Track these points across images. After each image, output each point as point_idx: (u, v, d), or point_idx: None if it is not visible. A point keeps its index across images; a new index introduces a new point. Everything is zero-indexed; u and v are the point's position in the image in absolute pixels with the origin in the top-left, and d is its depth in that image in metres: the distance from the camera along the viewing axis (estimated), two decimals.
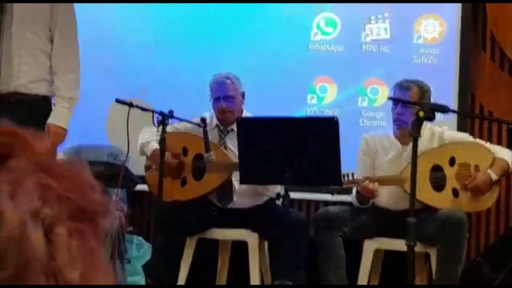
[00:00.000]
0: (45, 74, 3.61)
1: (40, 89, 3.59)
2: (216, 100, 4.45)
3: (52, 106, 3.64)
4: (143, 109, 3.85)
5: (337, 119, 3.83)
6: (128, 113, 3.68)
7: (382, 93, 5.25)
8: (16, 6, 3.51)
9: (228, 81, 4.43)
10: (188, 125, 4.37)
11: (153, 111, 3.85)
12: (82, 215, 0.41)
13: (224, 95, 4.41)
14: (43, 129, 3.50)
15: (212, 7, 5.40)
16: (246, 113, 4.53)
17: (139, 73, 5.40)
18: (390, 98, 4.27)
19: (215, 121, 4.52)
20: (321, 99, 5.33)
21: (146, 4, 5.44)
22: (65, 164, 0.44)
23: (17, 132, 0.46)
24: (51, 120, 3.58)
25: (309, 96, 5.34)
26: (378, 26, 5.33)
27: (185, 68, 5.39)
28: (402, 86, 4.31)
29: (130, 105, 3.74)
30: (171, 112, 3.98)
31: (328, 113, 5.22)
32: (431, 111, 3.24)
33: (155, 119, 3.88)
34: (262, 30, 5.39)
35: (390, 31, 5.31)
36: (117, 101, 3.79)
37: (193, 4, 5.40)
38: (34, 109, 3.55)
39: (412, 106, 4.01)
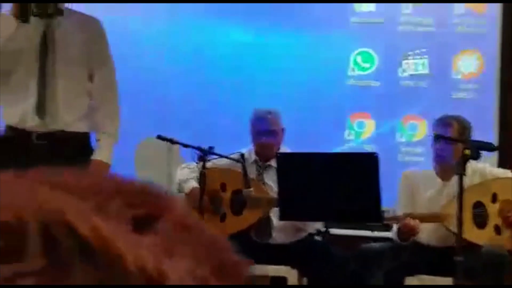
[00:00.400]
0: (87, 112, 3.66)
1: (82, 127, 3.63)
2: (257, 134, 4.46)
3: (94, 142, 3.69)
4: (184, 145, 3.87)
5: (377, 155, 3.81)
6: (169, 149, 3.71)
7: (421, 129, 5.24)
8: (59, 45, 3.56)
9: (270, 116, 4.45)
10: (226, 161, 4.38)
11: (192, 147, 3.87)
12: (223, 274, 0.41)
13: (265, 129, 4.41)
14: (86, 165, 3.51)
15: (251, 42, 5.43)
16: (285, 149, 4.53)
17: (174, 107, 5.43)
18: (435, 136, 4.24)
19: (253, 156, 4.53)
20: (359, 134, 5.32)
21: (185, 37, 5.48)
22: (202, 225, 0.45)
23: (159, 193, 0.46)
24: (95, 157, 3.61)
25: (346, 132, 5.33)
26: (415, 62, 5.32)
27: (223, 103, 5.40)
28: (443, 122, 4.29)
29: (171, 141, 3.76)
30: (211, 148, 4.00)
31: (366, 148, 5.21)
32: (476, 149, 3.21)
33: (195, 155, 3.90)
34: (299, 65, 5.40)
35: (428, 66, 5.30)
36: (159, 137, 3.82)
37: (233, 39, 5.44)
38: (78, 146, 3.59)
39: (454, 143, 3.99)
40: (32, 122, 3.51)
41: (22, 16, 3.40)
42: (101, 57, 3.67)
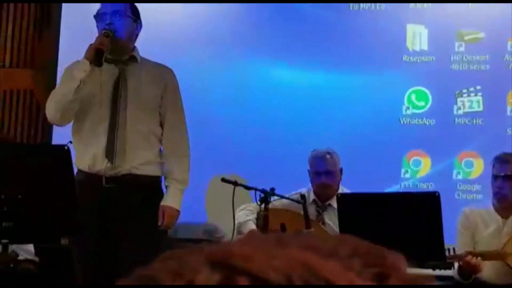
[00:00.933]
0: (157, 157, 3.71)
1: (151, 171, 3.67)
2: (316, 175, 4.50)
3: (164, 187, 3.74)
4: (247, 188, 3.93)
5: (438, 194, 3.83)
6: (234, 192, 3.76)
7: (477, 166, 5.24)
8: (131, 91, 3.65)
9: (328, 156, 4.50)
10: (285, 201, 4.42)
11: (255, 189, 3.93)
12: None
13: (325, 170, 4.46)
14: (155, 209, 3.59)
15: (306, 83, 5.51)
16: (343, 189, 4.56)
17: (233, 148, 5.50)
18: (496, 176, 4.26)
19: (312, 196, 4.57)
20: (415, 172, 5.34)
21: (242, 78, 5.57)
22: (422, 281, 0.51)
23: (387, 253, 0.52)
24: (165, 202, 3.65)
25: (402, 170, 5.35)
26: (470, 99, 5.35)
27: (279, 142, 5.47)
28: (501, 159, 4.30)
29: (235, 183, 3.82)
30: (272, 189, 4.05)
31: (423, 187, 5.23)
32: None
33: (257, 197, 3.96)
34: (354, 105, 5.46)
35: (482, 103, 5.32)
36: (223, 180, 3.89)
37: (289, 80, 5.52)
38: (147, 190, 3.64)
39: None
40: (101, 166, 3.58)
41: (96, 61, 3.50)
42: (172, 105, 3.74)
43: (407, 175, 5.36)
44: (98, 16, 3.73)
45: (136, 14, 3.78)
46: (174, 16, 5.63)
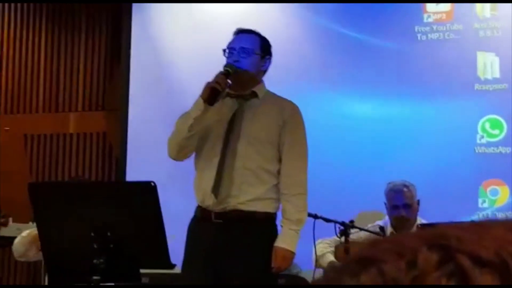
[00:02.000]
0: (267, 193, 3.57)
1: (260, 207, 3.55)
2: (394, 208, 4.47)
3: (277, 224, 3.59)
4: (327, 220, 3.92)
5: None
6: (314, 224, 3.75)
7: None
8: (245, 126, 3.59)
9: (406, 189, 4.46)
10: (364, 233, 4.39)
11: (335, 222, 3.92)
12: None
13: (402, 203, 4.43)
14: (268, 246, 3.47)
15: (379, 114, 5.51)
16: (421, 220, 4.52)
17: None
18: None
19: (389, 229, 4.53)
20: (493, 202, 5.26)
21: (315, 113, 5.59)
22: None
23: None
24: (278, 243, 3.49)
25: (480, 200, 5.28)
26: None
27: (355, 174, 5.46)
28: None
29: (315, 216, 3.81)
30: (351, 222, 4.03)
31: (502, 216, 5.13)
32: None
33: (337, 230, 3.95)
34: (427, 136, 5.43)
35: None
36: None
37: (359, 112, 5.53)
38: (256, 226, 3.53)
39: None
40: (209, 201, 3.53)
41: (210, 100, 3.47)
42: (291, 141, 3.60)
43: (485, 205, 5.28)
44: (226, 50, 3.65)
45: (265, 50, 3.69)
46: None
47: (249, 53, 3.61)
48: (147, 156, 5.95)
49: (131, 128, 6.17)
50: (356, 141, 5.54)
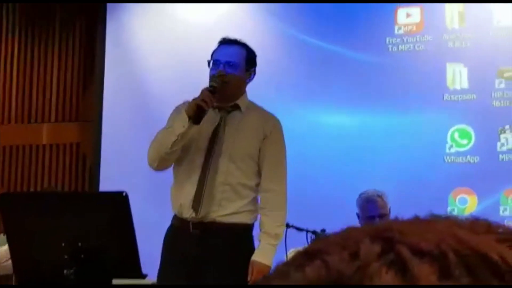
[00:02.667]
0: (247, 206, 3.58)
1: (239, 219, 3.56)
2: (369, 218, 4.49)
3: (255, 238, 3.60)
4: (299, 229, 3.95)
5: None
6: (286, 233, 3.77)
7: None
8: (227, 141, 3.59)
9: (379, 199, 4.50)
10: None
11: (307, 231, 3.95)
12: None
13: (378, 213, 4.46)
14: (244, 257, 3.49)
15: (348, 124, 5.57)
16: None
17: None
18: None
19: None
20: (462, 210, 5.33)
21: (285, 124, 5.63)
22: None
23: None
24: (255, 257, 3.50)
25: (449, 209, 5.35)
26: None
27: (325, 185, 5.51)
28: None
29: (287, 225, 3.83)
30: (323, 231, 4.07)
31: None
32: None
33: (308, 239, 3.98)
34: (397, 146, 5.49)
35: None
36: None
37: (330, 122, 5.59)
38: (234, 236, 3.54)
39: None
40: (187, 214, 3.53)
41: (195, 118, 3.44)
42: (271, 156, 3.62)
43: (454, 213, 5.34)
44: (211, 62, 3.63)
45: (250, 63, 3.70)
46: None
47: (235, 67, 3.60)
48: (120, 167, 5.97)
49: (104, 139, 6.18)
50: (327, 152, 5.60)
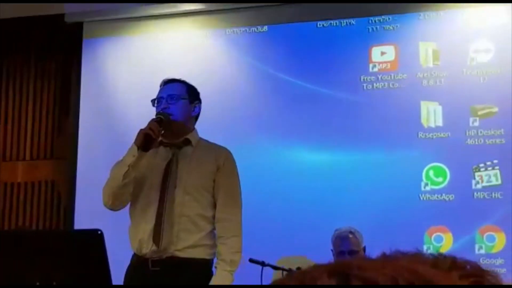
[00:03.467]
0: (205, 240, 3.63)
1: (198, 254, 3.59)
2: (339, 254, 4.52)
3: (214, 269, 3.62)
4: (275, 268, 3.95)
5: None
6: (261, 272, 3.77)
7: (499, 240, 5.24)
8: (180, 174, 3.64)
9: (351, 235, 4.53)
10: None
11: (282, 269, 3.94)
12: None
13: (348, 249, 4.49)
14: None
15: (322, 162, 5.59)
16: None
17: (257, 229, 5.52)
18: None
19: None
20: (437, 248, 5.34)
21: (257, 162, 5.64)
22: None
23: (475, 265, 0.61)
24: (211, 283, 3.54)
25: (425, 247, 5.36)
26: (488, 173, 5.39)
27: (301, 224, 5.51)
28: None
29: (263, 264, 3.84)
30: (298, 268, 4.06)
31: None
32: None
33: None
34: (372, 184, 5.51)
35: (500, 177, 5.36)
36: (251, 260, 3.90)
37: (303, 160, 5.60)
38: (193, 272, 3.55)
39: None
40: (147, 249, 3.56)
41: (144, 146, 3.53)
42: (225, 186, 3.67)
43: (429, 251, 5.34)
44: (155, 101, 3.73)
45: (192, 95, 3.78)
46: None
47: (176, 98, 3.69)
48: (96, 205, 5.91)
49: (79, 176, 6.15)
50: (303, 189, 5.59)
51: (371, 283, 0.53)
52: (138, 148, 3.55)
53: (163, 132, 3.64)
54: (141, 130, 3.57)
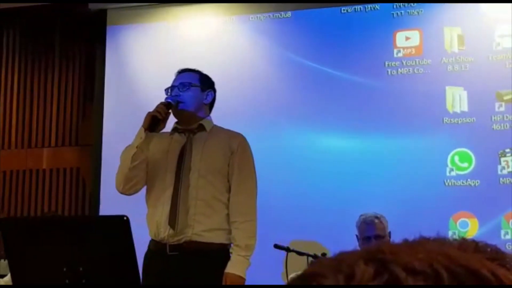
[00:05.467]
0: (221, 224, 3.63)
1: (215, 238, 3.61)
2: (365, 239, 4.52)
3: (230, 254, 3.61)
4: (300, 253, 3.95)
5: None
6: (286, 257, 3.78)
7: None
8: (194, 158, 3.67)
9: (377, 220, 4.52)
10: None
11: (308, 255, 3.95)
12: None
13: (374, 235, 4.48)
14: (221, 277, 3.52)
15: (348, 148, 5.58)
16: None
17: (283, 214, 5.53)
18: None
19: None
20: (463, 234, 5.32)
21: (287, 147, 5.64)
22: None
23: (503, 252, 0.61)
24: (228, 269, 3.54)
25: (450, 232, 5.34)
26: None
27: (327, 209, 5.50)
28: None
29: (288, 249, 3.84)
30: (324, 255, 4.07)
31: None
32: None
33: (309, 263, 3.98)
34: (397, 169, 5.49)
35: None
36: (276, 246, 3.91)
37: (329, 145, 5.60)
38: (211, 257, 3.57)
39: None
40: (164, 233, 3.58)
41: (150, 128, 3.60)
42: (239, 170, 3.69)
43: (455, 237, 5.32)
44: (168, 89, 3.79)
45: (205, 83, 3.81)
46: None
47: (188, 86, 3.74)
48: None
49: (104, 163, 6.18)
50: (328, 175, 5.59)
51: (408, 268, 0.53)
52: (145, 130, 3.61)
53: (174, 117, 3.72)
54: (148, 112, 3.64)
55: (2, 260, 4.70)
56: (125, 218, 2.97)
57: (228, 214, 3.66)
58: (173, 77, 3.90)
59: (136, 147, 3.62)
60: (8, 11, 6.52)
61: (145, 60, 6.27)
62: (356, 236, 4.61)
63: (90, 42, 6.49)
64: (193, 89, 3.75)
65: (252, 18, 6.09)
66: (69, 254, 2.98)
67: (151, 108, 3.72)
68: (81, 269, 2.95)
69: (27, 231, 3.16)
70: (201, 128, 3.76)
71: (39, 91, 6.63)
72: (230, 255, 3.58)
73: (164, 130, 3.74)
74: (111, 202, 5.95)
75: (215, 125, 3.83)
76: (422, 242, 0.58)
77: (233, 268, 3.54)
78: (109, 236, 3.05)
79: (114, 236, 3.04)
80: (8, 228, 3.18)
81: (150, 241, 3.67)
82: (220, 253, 3.61)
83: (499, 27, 5.51)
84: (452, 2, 5.61)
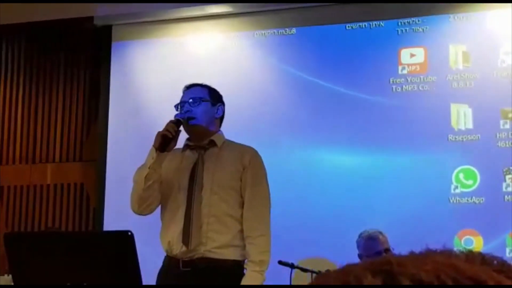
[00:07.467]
0: (234, 240, 3.60)
1: (228, 255, 3.57)
2: (376, 255, 4.49)
3: (244, 270, 3.55)
4: (304, 270, 3.93)
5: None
6: (291, 274, 3.76)
7: None
8: (206, 174, 3.65)
9: (381, 236, 4.52)
10: None
11: (312, 271, 3.93)
12: None
13: (385, 248, 4.47)
14: None
15: (352, 166, 5.56)
16: None
17: (287, 232, 5.51)
18: None
19: None
20: None
21: (288, 163, 5.63)
22: None
23: (503, 262, 0.61)
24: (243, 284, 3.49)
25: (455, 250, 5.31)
26: None
27: (328, 226, 5.49)
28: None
29: (292, 266, 3.82)
30: (328, 271, 4.04)
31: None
32: None
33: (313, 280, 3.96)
34: (402, 186, 5.48)
35: None
36: (280, 263, 3.90)
37: (332, 163, 5.58)
38: (224, 274, 3.54)
39: None
40: (177, 250, 3.56)
41: (161, 148, 3.57)
42: (251, 184, 3.65)
43: (461, 249, 5.30)
44: (178, 106, 3.76)
45: (214, 98, 3.79)
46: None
47: (198, 101, 3.71)
48: (124, 207, 5.93)
49: (108, 179, 6.18)
50: (332, 191, 5.58)
51: (416, 280, 0.52)
52: (156, 150, 3.59)
53: (185, 135, 3.69)
54: (158, 132, 3.63)
55: (6, 275, 4.68)
56: (129, 233, 2.96)
57: (241, 230, 3.62)
58: (177, 92, 3.89)
59: (149, 168, 3.60)
60: (13, 26, 6.55)
61: (150, 75, 6.28)
62: (359, 255, 4.58)
63: (95, 58, 6.51)
64: (203, 104, 3.72)
65: (256, 34, 6.10)
66: (73, 269, 2.97)
67: (156, 123, 3.72)
68: (85, 284, 2.94)
69: (31, 246, 3.15)
70: (212, 144, 3.73)
71: (43, 106, 6.64)
72: (245, 271, 3.54)
73: (176, 146, 3.72)
74: (115, 218, 5.96)
75: (226, 140, 3.80)
76: (428, 254, 0.58)
77: (248, 283, 3.50)
78: (113, 252, 3.05)
79: (118, 251, 3.04)
80: (12, 243, 3.17)
81: (165, 257, 3.66)
82: (232, 270, 3.57)
83: (504, 44, 5.51)
84: (453, 2, 5.61)
